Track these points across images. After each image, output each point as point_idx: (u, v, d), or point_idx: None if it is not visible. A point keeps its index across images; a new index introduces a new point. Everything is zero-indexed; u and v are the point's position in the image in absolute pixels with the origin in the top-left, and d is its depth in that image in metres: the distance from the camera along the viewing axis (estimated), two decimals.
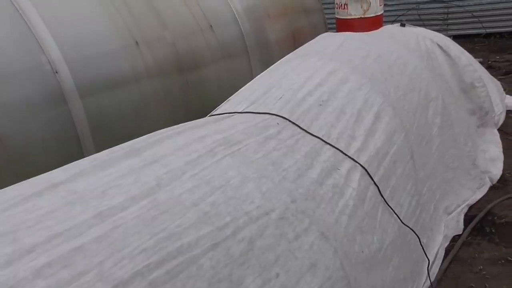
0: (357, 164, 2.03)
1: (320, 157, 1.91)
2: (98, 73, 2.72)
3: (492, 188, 3.29)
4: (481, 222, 2.94)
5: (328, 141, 2.01)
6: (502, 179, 3.40)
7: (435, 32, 3.82)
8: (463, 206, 3.02)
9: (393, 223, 2.15)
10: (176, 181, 1.37)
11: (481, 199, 3.16)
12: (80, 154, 2.50)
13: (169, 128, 1.83)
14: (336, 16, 4.18)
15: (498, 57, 7.00)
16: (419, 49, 3.32)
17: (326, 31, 4.45)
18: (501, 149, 3.69)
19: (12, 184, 1.36)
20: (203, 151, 1.59)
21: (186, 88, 3.39)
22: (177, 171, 1.43)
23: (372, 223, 2.00)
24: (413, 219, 2.31)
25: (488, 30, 8.00)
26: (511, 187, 3.32)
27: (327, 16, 5.61)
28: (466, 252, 2.70)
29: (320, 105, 2.21)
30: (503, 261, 2.59)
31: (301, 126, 2.02)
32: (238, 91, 2.45)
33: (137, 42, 3.03)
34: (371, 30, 3.65)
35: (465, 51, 3.83)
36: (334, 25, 4.39)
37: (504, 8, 8.08)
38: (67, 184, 1.29)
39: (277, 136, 1.89)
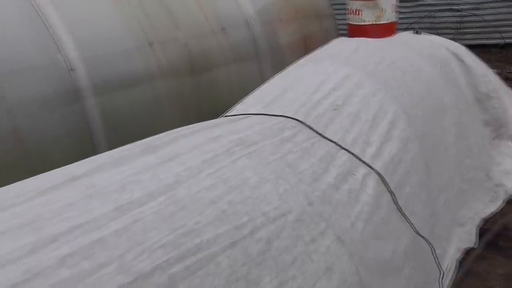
0: (372, 170, 2.02)
1: (335, 161, 1.89)
2: (112, 72, 2.73)
3: (509, 202, 3.22)
4: (497, 236, 2.89)
5: (343, 146, 2.00)
6: None
7: (450, 41, 3.79)
8: (474, 218, 2.98)
9: (406, 232, 2.13)
10: (194, 179, 1.37)
11: (497, 213, 3.09)
12: (93, 151, 2.51)
13: (184, 127, 1.83)
14: (348, 22, 4.16)
15: None
16: (433, 57, 3.30)
17: (338, 37, 4.44)
18: None
19: (27, 178, 1.35)
20: (219, 150, 1.58)
21: (197, 89, 3.40)
22: (194, 169, 1.42)
23: (386, 230, 1.98)
24: (428, 229, 2.29)
25: (507, 40, 7.76)
26: None
27: (337, 21, 5.60)
28: (480, 266, 2.65)
29: (335, 109, 2.20)
30: None
31: (316, 129, 2.01)
32: (252, 92, 2.44)
33: (150, 42, 3.05)
34: (385, 37, 3.63)
35: (481, 60, 3.80)
36: (345, 31, 4.38)
37: None
38: (85, 178, 1.28)
39: (293, 138, 1.88)
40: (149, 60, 2.97)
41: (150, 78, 2.94)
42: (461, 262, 2.63)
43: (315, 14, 4.98)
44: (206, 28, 3.56)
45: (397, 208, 2.07)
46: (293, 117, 2.03)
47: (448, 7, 8.08)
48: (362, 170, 1.96)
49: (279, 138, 1.82)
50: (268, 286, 1.23)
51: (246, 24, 4.00)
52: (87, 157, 1.49)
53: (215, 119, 2.11)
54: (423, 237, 2.21)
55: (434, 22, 8.08)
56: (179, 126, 1.82)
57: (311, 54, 2.97)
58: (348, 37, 4.07)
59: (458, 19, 8.13)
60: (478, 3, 7.96)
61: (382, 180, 2.02)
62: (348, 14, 4.12)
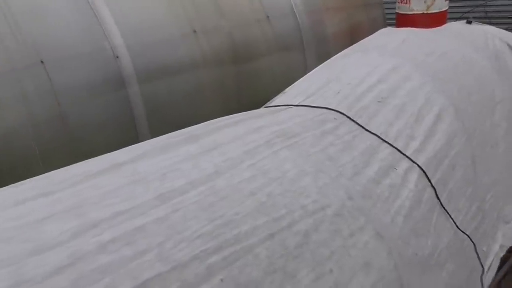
0: (415, 164, 1.96)
1: (377, 155, 1.85)
2: (156, 60, 2.78)
3: None
4: None
5: (386, 139, 1.95)
6: None
7: (506, 31, 3.59)
8: None
9: (448, 228, 2.07)
10: (234, 169, 1.37)
11: None
12: (135, 138, 2.58)
13: (226, 117, 1.84)
14: (397, 10, 4.01)
15: None
16: (487, 48, 3.14)
17: (385, 27, 4.31)
18: None
19: (72, 163, 1.40)
20: (260, 141, 1.58)
21: (240, 78, 3.40)
22: (235, 160, 1.43)
23: (427, 226, 1.92)
24: (473, 226, 2.21)
25: None
26: None
27: (386, 10, 5.43)
28: None
29: (379, 102, 2.15)
30: None
31: (358, 122, 1.97)
32: (294, 83, 2.42)
33: (195, 31, 3.07)
34: (434, 27, 3.48)
35: None
36: (393, 21, 4.23)
37: None
38: (130, 164, 1.32)
39: (334, 131, 1.85)
40: (193, 48, 3.00)
41: (193, 66, 2.97)
42: (504, 260, 2.54)
43: (363, 3, 4.86)
44: (251, 16, 3.55)
45: (439, 203, 2.01)
46: (335, 109, 1.99)
47: None
48: (404, 164, 1.91)
49: (320, 130, 1.80)
50: (304, 279, 1.23)
51: (291, 13, 3.96)
52: (130, 144, 1.53)
53: (257, 110, 2.11)
54: (465, 233, 2.14)
55: (488, 11, 7.68)
56: (220, 115, 1.83)
57: (357, 44, 2.89)
58: (396, 27, 3.93)
59: None
60: None
61: (425, 175, 1.97)
62: (398, 2, 3.97)
